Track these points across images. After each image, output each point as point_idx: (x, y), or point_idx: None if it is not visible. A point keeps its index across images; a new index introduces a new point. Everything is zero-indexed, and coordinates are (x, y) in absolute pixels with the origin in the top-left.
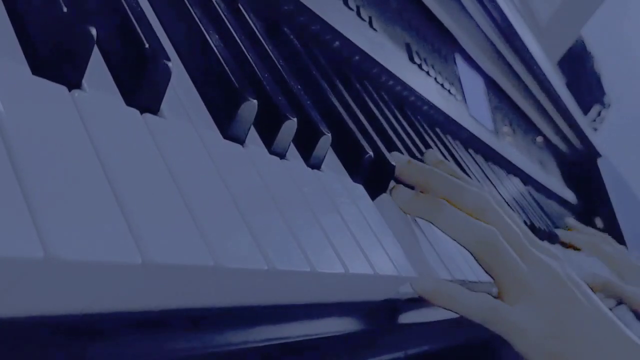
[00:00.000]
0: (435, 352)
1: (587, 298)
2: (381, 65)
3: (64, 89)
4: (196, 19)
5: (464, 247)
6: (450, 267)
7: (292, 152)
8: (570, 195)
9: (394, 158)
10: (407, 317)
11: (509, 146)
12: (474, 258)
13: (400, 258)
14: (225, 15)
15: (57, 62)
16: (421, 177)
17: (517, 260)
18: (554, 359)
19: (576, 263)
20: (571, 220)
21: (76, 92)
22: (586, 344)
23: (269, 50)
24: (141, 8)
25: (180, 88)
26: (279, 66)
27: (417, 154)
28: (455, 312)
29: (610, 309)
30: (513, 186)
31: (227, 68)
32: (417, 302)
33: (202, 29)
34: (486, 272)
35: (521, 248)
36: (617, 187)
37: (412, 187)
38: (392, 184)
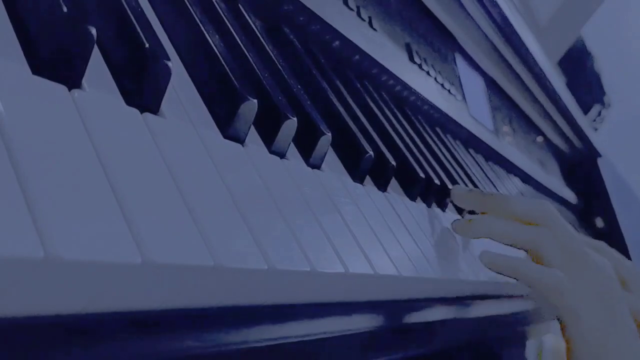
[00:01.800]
0: (436, 353)
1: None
2: (381, 65)
3: (64, 88)
4: (196, 19)
5: (519, 248)
6: (451, 265)
7: (292, 151)
8: (570, 195)
9: (454, 190)
10: (408, 317)
11: (509, 146)
12: (531, 258)
13: (400, 258)
14: (225, 15)
15: (57, 62)
16: (483, 203)
17: (565, 258)
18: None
19: None
20: None
21: (76, 92)
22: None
23: (269, 50)
24: (141, 8)
25: (180, 88)
26: (279, 66)
27: (418, 154)
28: (523, 282)
29: None
30: (513, 186)
31: (227, 68)
32: (419, 302)
33: (202, 29)
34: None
35: (581, 249)
36: (617, 187)
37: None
38: (392, 181)
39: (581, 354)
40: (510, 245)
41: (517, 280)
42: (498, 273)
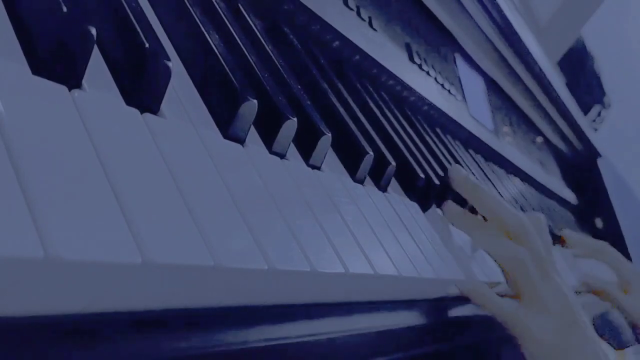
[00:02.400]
0: (436, 352)
1: (588, 327)
2: (381, 65)
3: (64, 88)
4: (196, 19)
5: (496, 261)
6: (451, 265)
7: (292, 152)
8: (570, 195)
9: (454, 170)
10: (409, 317)
11: (509, 146)
12: (503, 271)
13: (400, 258)
14: (225, 15)
15: (57, 62)
16: (474, 196)
17: (540, 280)
18: None
19: (578, 264)
20: (567, 231)
21: (76, 92)
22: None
23: (269, 50)
24: (141, 8)
25: (180, 88)
26: (279, 66)
27: (417, 154)
28: (486, 310)
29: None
30: (513, 186)
31: (227, 68)
32: (420, 302)
33: (202, 28)
34: (510, 283)
35: (547, 271)
36: (617, 187)
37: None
38: (392, 181)
39: None
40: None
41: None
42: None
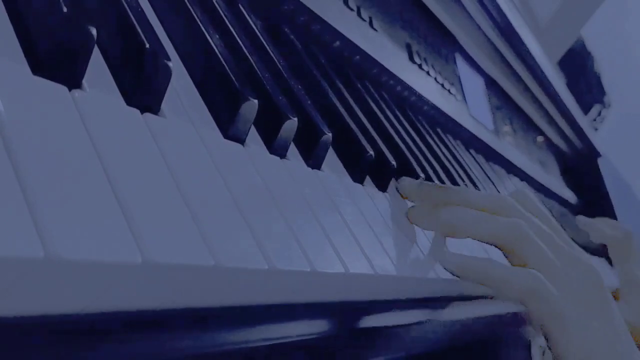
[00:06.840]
0: (438, 352)
1: (615, 310)
2: (381, 65)
3: (64, 88)
4: (196, 19)
5: (491, 243)
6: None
7: (293, 151)
8: (570, 195)
9: (402, 183)
10: (410, 317)
11: (509, 146)
12: (503, 253)
13: (400, 258)
14: (225, 15)
15: (57, 62)
16: (440, 198)
17: (552, 253)
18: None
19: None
20: (582, 218)
21: (76, 92)
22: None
23: (269, 50)
24: (141, 8)
25: (181, 88)
26: (279, 66)
27: (418, 154)
28: (491, 287)
29: None
30: (513, 186)
31: (227, 68)
32: (418, 302)
33: (202, 29)
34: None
35: (556, 243)
36: (617, 187)
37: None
38: (392, 182)
39: None
40: (479, 240)
41: (485, 285)
42: (464, 278)
